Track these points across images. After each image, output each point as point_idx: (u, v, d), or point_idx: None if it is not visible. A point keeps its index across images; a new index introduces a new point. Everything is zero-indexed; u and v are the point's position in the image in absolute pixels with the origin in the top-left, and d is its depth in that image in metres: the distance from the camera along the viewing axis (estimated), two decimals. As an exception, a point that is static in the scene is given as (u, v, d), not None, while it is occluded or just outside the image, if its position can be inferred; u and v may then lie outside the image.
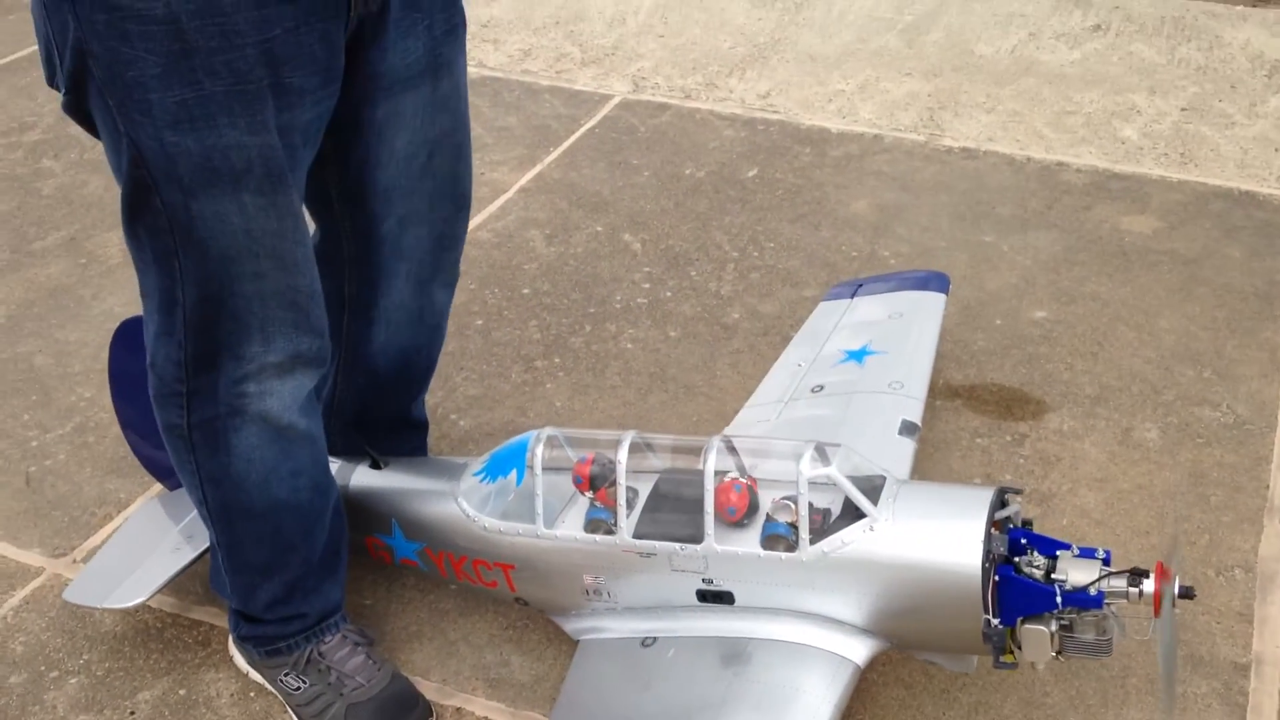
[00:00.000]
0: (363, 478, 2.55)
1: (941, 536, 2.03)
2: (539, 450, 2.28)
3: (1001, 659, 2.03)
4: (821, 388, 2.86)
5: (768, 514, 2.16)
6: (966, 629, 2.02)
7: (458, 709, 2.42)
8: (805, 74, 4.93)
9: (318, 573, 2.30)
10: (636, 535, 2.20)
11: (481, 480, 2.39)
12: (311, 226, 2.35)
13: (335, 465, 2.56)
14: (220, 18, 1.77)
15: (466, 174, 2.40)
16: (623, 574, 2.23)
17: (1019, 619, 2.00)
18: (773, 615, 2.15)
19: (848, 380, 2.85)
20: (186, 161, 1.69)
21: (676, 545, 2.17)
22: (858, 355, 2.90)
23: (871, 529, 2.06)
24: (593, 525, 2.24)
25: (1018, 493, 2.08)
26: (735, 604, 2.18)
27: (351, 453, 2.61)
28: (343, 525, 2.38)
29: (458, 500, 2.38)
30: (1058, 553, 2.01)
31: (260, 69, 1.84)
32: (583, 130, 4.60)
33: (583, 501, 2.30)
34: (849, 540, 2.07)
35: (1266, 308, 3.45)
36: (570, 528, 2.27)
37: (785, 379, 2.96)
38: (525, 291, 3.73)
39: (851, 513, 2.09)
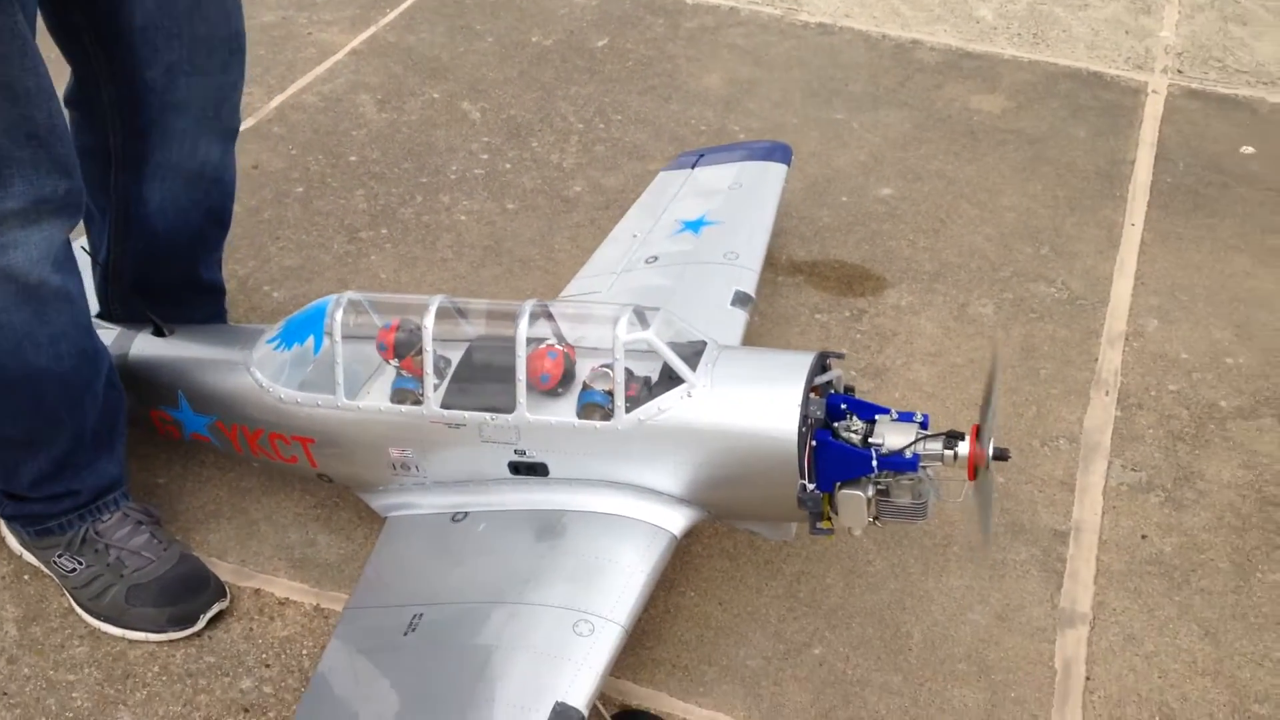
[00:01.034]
0: (145, 346, 2.34)
1: (759, 402, 1.94)
2: (338, 315, 2.11)
3: (819, 525, 1.97)
4: (656, 258, 2.74)
5: (585, 382, 2.04)
6: (782, 495, 1.95)
7: (256, 590, 2.27)
8: (661, -58, 4.70)
9: (90, 448, 2.10)
10: (445, 405, 2.07)
11: (276, 348, 2.21)
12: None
13: (112, 333, 2.34)
14: None
15: (238, 11, 2.17)
16: (431, 447, 2.10)
17: (836, 484, 1.92)
18: (588, 487, 2.06)
19: (683, 251, 2.74)
20: None
21: (487, 415, 2.05)
22: (694, 225, 2.78)
23: (689, 395, 1.96)
24: (399, 395, 2.10)
25: (839, 357, 2.00)
26: (549, 475, 2.08)
27: (136, 321, 2.39)
28: (119, 398, 2.18)
29: (250, 370, 2.20)
30: (876, 417, 1.94)
31: None
32: (422, -8, 4.32)
33: (390, 371, 2.15)
34: (665, 407, 1.96)
35: (1107, 187, 3.43)
36: (375, 398, 2.12)
37: (619, 250, 2.83)
38: (352, 159, 3.50)
39: (670, 379, 1.99)
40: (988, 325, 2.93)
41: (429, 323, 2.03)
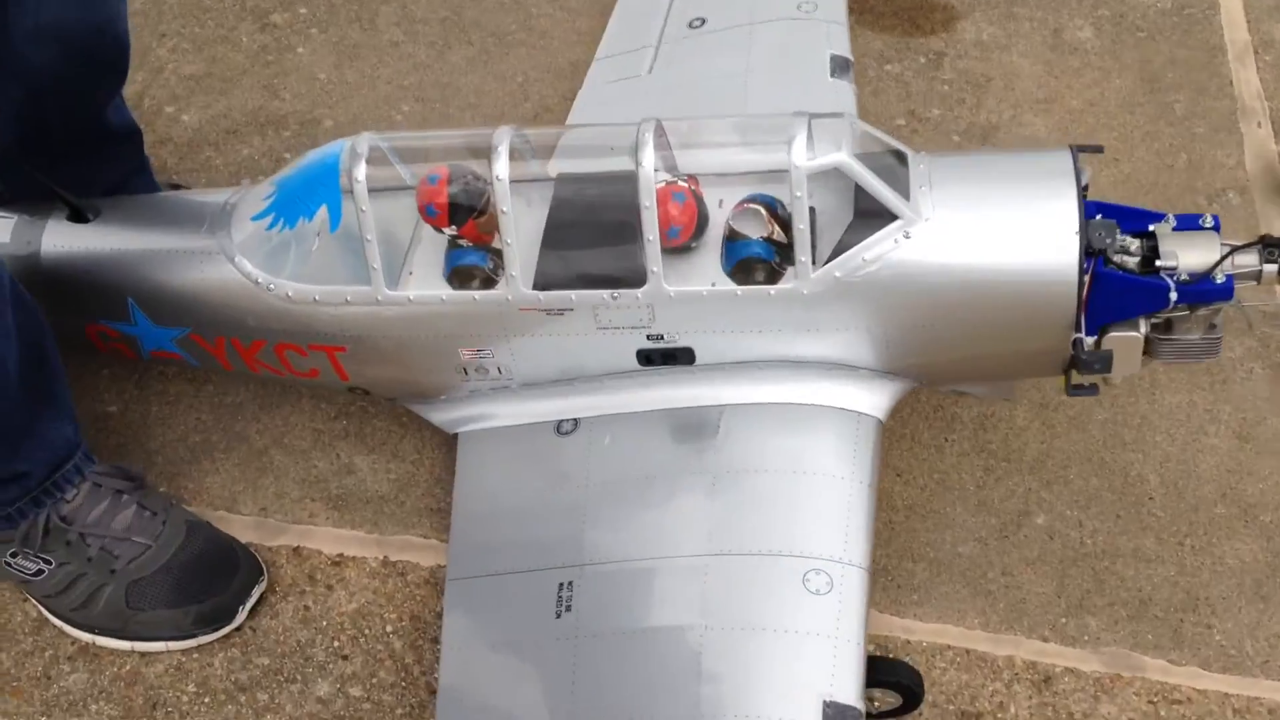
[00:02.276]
0: (62, 237, 1.66)
1: (1015, 231, 1.41)
2: (360, 171, 1.45)
3: (1077, 382, 1.47)
4: (703, 21, 2.10)
5: (729, 228, 1.46)
6: (1043, 350, 1.47)
7: (295, 549, 1.70)
8: None
9: (21, 404, 1.47)
10: (540, 285, 1.49)
11: (270, 225, 1.54)
12: None
13: (7, 224, 1.67)
14: None
15: None
16: (521, 340, 1.54)
17: (1102, 325, 1.42)
18: (752, 372, 1.52)
19: (738, 4, 2.09)
20: None
21: (604, 294, 1.48)
22: (742, -34, 2.11)
23: (905, 235, 1.39)
24: (462, 275, 1.52)
25: (1096, 150, 1.44)
26: (695, 363, 1.53)
27: (34, 198, 1.67)
28: (37, 320, 1.52)
29: (235, 260, 1.53)
30: (1151, 227, 1.41)
31: None
32: None
33: (437, 240, 1.51)
34: (873, 256, 1.41)
35: None
36: (427, 283, 1.54)
37: (645, 10, 2.16)
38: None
39: (868, 215, 1.41)
40: (1093, 54, 2.38)
41: (502, 170, 1.39)
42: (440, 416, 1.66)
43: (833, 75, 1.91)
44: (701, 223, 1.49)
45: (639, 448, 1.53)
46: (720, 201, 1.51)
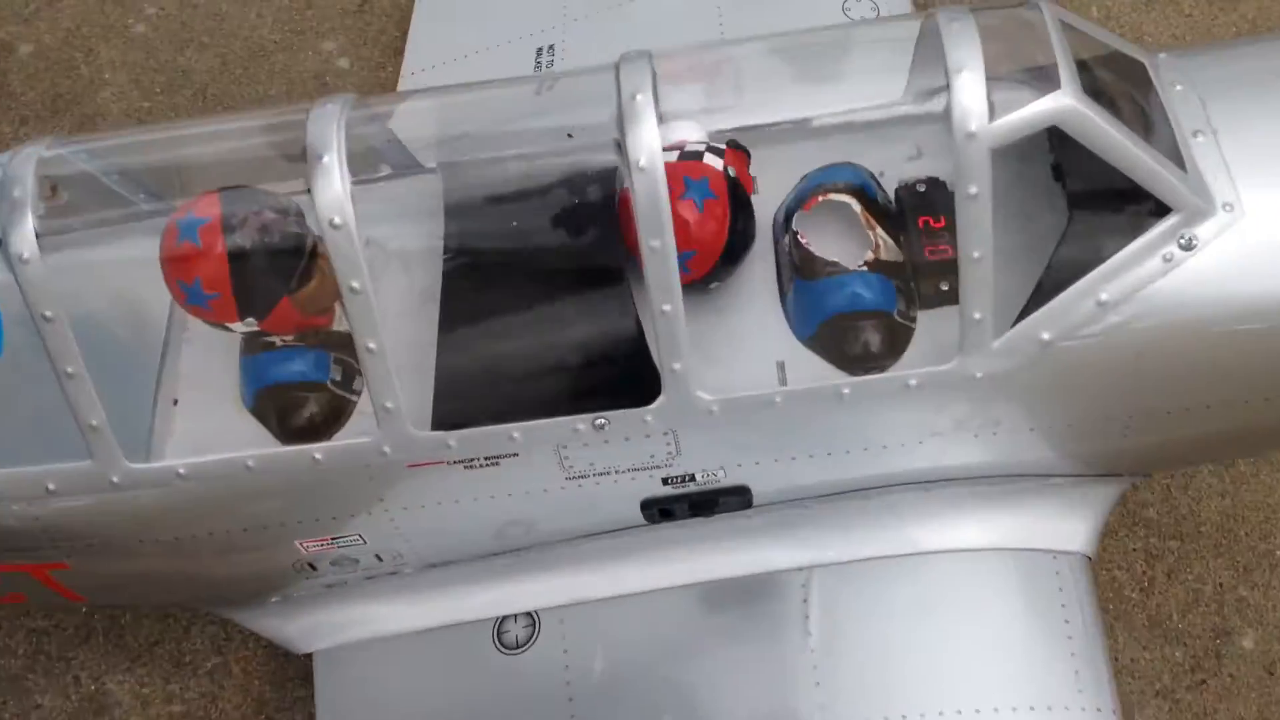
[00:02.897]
0: None
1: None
2: (23, 232, 0.76)
3: None
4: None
5: (799, 245, 0.85)
6: None
7: None
8: None
9: None
10: (444, 420, 0.82)
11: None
12: None
13: None
14: None
15: None
16: (415, 514, 0.83)
17: None
18: (869, 512, 0.87)
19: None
20: None
21: (579, 422, 0.81)
22: None
23: (1187, 244, 0.78)
24: (283, 404, 0.84)
25: None
26: (753, 506, 0.88)
27: None
28: None
29: None
30: None
31: None
32: None
33: (221, 341, 0.89)
34: (1123, 293, 0.79)
35: None
36: (211, 438, 0.88)
37: None
38: None
39: (1099, 206, 0.79)
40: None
41: (333, 200, 0.74)
42: (275, 624, 0.96)
43: None
44: (737, 239, 0.85)
45: (654, 661, 0.82)
46: (755, 180, 0.90)
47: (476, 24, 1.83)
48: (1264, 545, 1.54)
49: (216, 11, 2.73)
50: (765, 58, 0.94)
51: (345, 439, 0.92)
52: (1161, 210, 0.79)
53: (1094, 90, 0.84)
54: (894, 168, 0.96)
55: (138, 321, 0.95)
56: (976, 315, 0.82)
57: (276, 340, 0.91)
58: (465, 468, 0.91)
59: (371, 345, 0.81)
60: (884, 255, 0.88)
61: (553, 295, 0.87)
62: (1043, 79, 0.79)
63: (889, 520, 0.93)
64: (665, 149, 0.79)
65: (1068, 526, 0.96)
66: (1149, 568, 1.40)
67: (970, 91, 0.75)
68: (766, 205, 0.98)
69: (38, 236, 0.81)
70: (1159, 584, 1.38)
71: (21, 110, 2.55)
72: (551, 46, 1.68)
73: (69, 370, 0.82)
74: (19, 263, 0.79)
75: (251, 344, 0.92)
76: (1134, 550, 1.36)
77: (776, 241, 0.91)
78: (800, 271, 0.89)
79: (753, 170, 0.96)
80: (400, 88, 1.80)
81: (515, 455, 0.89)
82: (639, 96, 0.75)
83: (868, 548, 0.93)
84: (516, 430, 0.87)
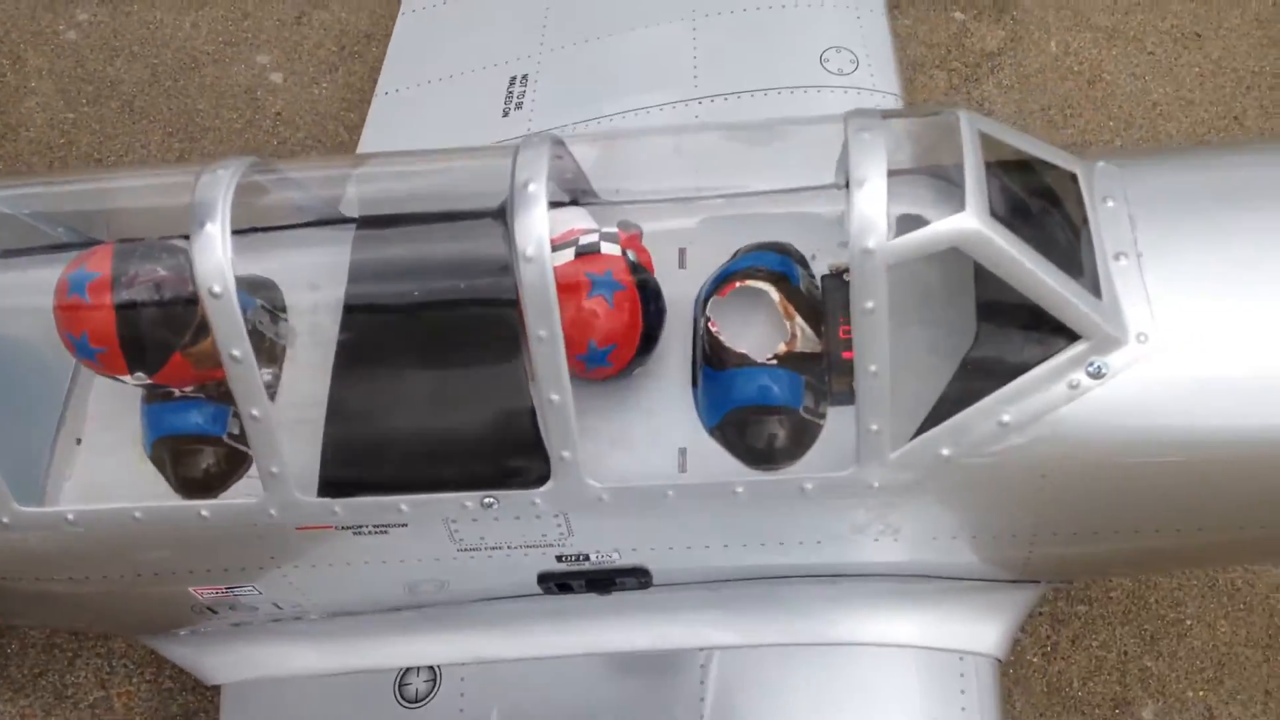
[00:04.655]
0: None
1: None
2: None
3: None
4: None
5: (710, 332, 0.85)
6: None
7: None
8: None
9: None
10: (331, 487, 0.81)
11: None
12: None
13: None
14: None
15: None
16: (307, 571, 0.85)
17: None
18: (765, 600, 0.87)
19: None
20: None
21: (466, 499, 0.79)
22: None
23: (1096, 373, 0.79)
24: (179, 453, 0.83)
25: None
26: (653, 586, 0.87)
27: None
28: None
29: None
30: None
31: None
32: None
33: (119, 388, 0.87)
34: (1027, 417, 0.80)
35: None
36: (104, 486, 0.87)
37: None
38: None
39: (1002, 322, 0.80)
40: None
41: (214, 261, 0.73)
42: (186, 654, 0.95)
43: None
44: (652, 322, 0.85)
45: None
46: (681, 253, 0.91)
47: (455, 46, 1.82)
48: (1173, 614, 1.54)
49: (150, 20, 2.67)
50: (701, 136, 0.94)
51: (233, 498, 0.90)
52: (1072, 334, 0.79)
53: (1009, 207, 0.84)
54: (828, 250, 0.96)
55: (45, 360, 0.93)
56: (873, 427, 0.81)
57: (175, 391, 0.90)
58: (354, 534, 0.89)
59: (255, 413, 0.79)
60: (800, 347, 0.87)
61: (447, 370, 0.86)
62: (949, 196, 0.79)
63: (795, 609, 0.93)
64: (556, 241, 0.78)
65: (978, 628, 0.96)
66: (1054, 632, 1.41)
67: (870, 206, 0.74)
68: (694, 281, 0.97)
69: None
70: (1063, 649, 1.39)
71: (-60, 119, 2.47)
72: (525, 76, 1.67)
73: None
74: None
75: (152, 392, 0.90)
76: (1040, 614, 1.36)
77: (695, 322, 0.90)
78: (710, 360, 0.88)
79: (683, 244, 0.95)
80: (372, 106, 1.79)
81: (404, 525, 0.88)
82: (531, 185, 0.74)
83: (770, 634, 0.92)
84: (404, 502, 0.85)
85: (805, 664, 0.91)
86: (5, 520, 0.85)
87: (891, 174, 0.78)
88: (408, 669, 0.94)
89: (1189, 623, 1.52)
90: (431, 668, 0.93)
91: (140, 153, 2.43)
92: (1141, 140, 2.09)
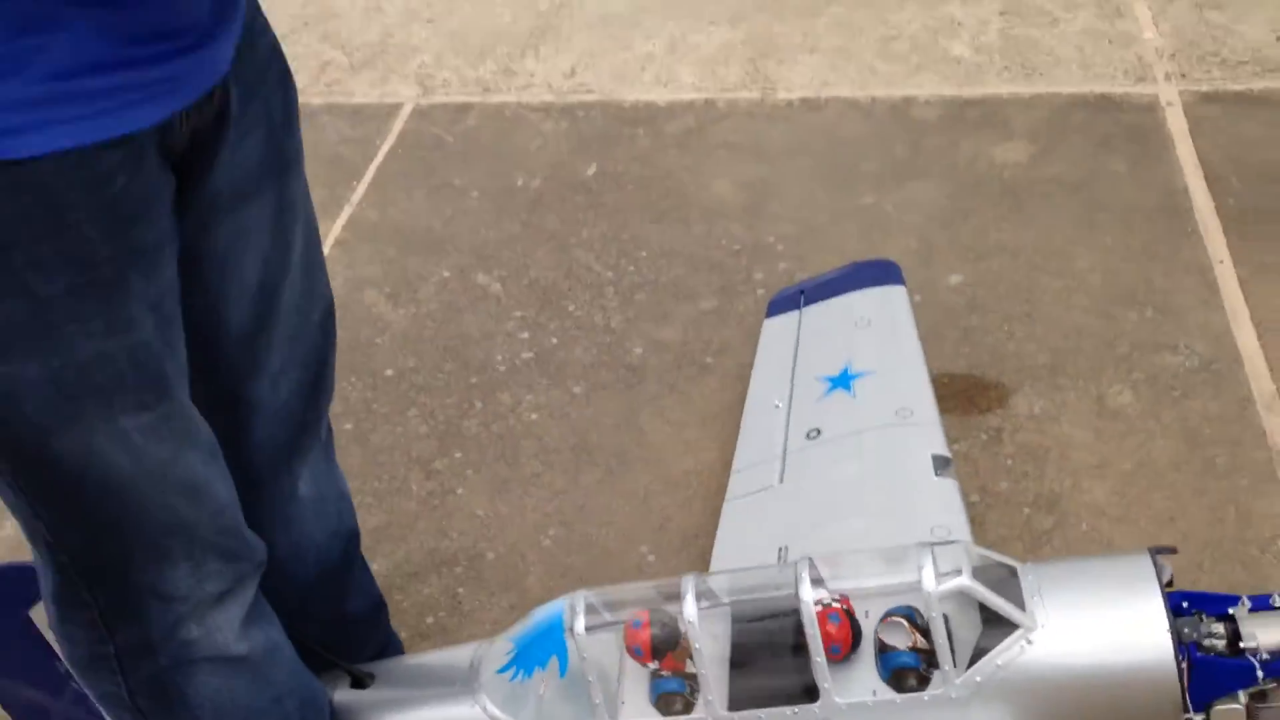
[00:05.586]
0: (347, 699, 2.01)
1: (1115, 632, 1.71)
2: (579, 624, 1.79)
3: (1194, 758, 1.76)
4: (819, 431, 2.48)
5: (879, 641, 1.76)
6: None
7: None
8: (605, 39, 4.45)
9: None
10: (733, 707, 1.77)
11: (513, 678, 1.90)
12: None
13: None
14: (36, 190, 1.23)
15: (323, 276, 1.87)
16: None
17: (1206, 703, 1.72)
18: None
19: (845, 415, 2.47)
20: (31, 394, 1.28)
21: (787, 710, 1.75)
22: (842, 382, 2.53)
23: (1028, 641, 1.72)
24: (665, 702, 1.80)
25: (1170, 552, 1.79)
26: None
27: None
28: None
29: (485, 707, 1.89)
30: (1230, 610, 1.73)
31: (106, 243, 1.29)
32: (382, 153, 3.98)
33: (639, 673, 1.84)
34: (1005, 661, 1.71)
35: (1174, 223, 3.32)
36: (639, 712, 1.80)
37: (767, 426, 2.55)
38: (389, 374, 3.16)
39: (993, 623, 1.76)
40: (1136, 417, 2.77)
41: (690, 612, 1.74)
42: None
43: (936, 474, 2.21)
44: (855, 636, 1.78)
45: None
46: (866, 613, 1.78)
47: None
48: None
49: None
50: (857, 560, 1.80)
51: (690, 716, 1.73)
52: (1016, 626, 1.61)
53: (981, 572, 1.61)
54: None
55: (610, 664, 1.78)
56: (946, 667, 1.53)
57: (665, 673, 1.72)
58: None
59: (703, 670, 1.64)
60: (918, 644, 1.56)
61: (775, 660, 1.67)
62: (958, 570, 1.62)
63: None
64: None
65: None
66: None
67: (928, 574, 1.61)
68: (868, 626, 1.68)
69: None
70: None
71: None
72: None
73: (590, 678, 1.68)
74: (576, 635, 1.69)
75: (654, 675, 1.72)
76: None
77: (872, 640, 1.90)
78: (880, 651, 1.61)
79: None
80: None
81: None
82: (804, 581, 1.61)
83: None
84: (763, 714, 1.64)
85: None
86: None
87: None
88: None
89: None
90: None
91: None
92: None
